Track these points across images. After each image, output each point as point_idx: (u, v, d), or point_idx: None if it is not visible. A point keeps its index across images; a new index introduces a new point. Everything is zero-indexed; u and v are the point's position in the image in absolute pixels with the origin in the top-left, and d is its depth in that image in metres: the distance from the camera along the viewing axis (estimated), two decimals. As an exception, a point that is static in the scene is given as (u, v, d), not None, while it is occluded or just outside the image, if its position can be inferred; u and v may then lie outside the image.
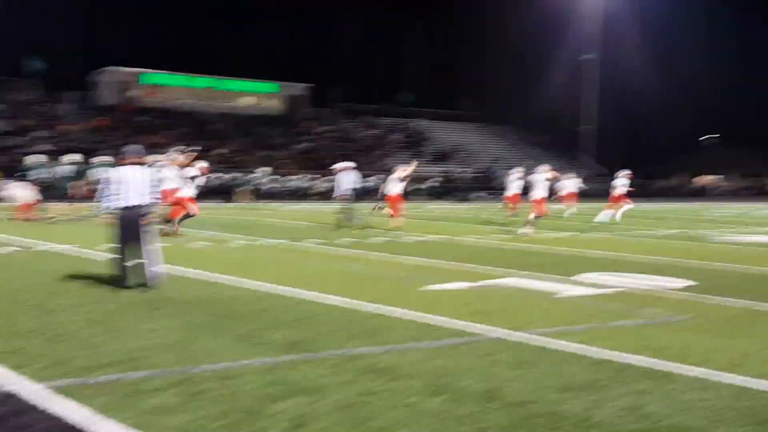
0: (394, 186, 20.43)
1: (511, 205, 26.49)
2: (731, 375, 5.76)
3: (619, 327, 7.56)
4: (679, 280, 10.91)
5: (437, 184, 52.52)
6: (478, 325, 7.49)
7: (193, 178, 17.59)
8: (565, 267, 12.35)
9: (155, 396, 5.02)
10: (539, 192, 19.54)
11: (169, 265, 10.54)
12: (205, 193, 24.36)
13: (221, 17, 76.40)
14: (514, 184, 26.44)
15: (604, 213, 25.86)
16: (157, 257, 9.42)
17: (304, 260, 13.02)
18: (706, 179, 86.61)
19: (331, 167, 23.41)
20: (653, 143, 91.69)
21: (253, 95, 64.59)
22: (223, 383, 5.32)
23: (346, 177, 21.51)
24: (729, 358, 6.30)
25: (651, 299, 9.31)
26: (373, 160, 57.19)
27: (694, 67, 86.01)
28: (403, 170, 20.56)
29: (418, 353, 6.34)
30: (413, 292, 9.59)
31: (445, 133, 69.07)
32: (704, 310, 8.59)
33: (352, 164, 22.08)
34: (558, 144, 71.06)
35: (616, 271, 11.92)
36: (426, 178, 53.04)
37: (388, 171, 22.24)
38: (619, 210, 26.16)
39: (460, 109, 74.67)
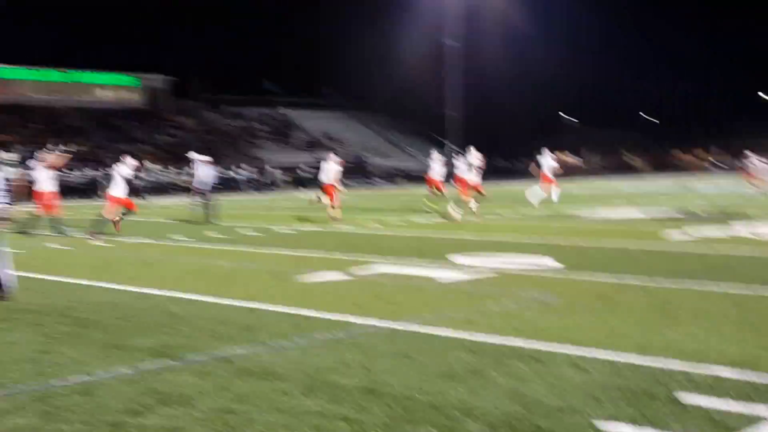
0: (329, 175, 19.96)
1: (434, 188, 26.51)
2: (607, 352, 5.82)
3: (495, 310, 7.57)
4: (550, 259, 11.12)
5: (308, 174, 52.11)
6: (357, 316, 7.34)
7: (128, 175, 16.98)
8: (440, 251, 12.39)
9: (12, 416, 4.59)
10: (467, 174, 20.33)
11: (23, 272, 9.88)
12: (68, 191, 23.22)
13: (78, 9, 72.92)
14: (436, 167, 26.26)
15: (535, 191, 25.64)
16: (7, 262, 8.77)
17: (170, 259, 12.53)
18: (567, 158, 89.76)
19: (187, 154, 22.65)
20: (516, 126, 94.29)
21: (112, 88, 62.24)
22: (87, 397, 4.93)
23: (203, 170, 20.93)
24: (603, 336, 6.38)
25: (524, 280, 9.42)
26: (241, 151, 56.26)
27: (553, 52, 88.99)
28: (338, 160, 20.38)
29: (295, 351, 6.12)
30: (288, 285, 9.35)
31: (312, 121, 68.78)
32: (576, 288, 8.74)
33: (208, 158, 21.50)
34: (424, 129, 72.04)
35: (489, 252, 12.04)
36: (295, 168, 52.67)
37: (322, 159, 21.55)
38: (552, 191, 25.88)
39: (326, 97, 74.50)
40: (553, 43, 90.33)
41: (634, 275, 9.49)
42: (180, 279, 10.00)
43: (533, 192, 25.45)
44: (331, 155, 21.17)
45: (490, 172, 27.95)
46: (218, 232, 16.90)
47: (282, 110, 69.24)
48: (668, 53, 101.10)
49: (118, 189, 16.72)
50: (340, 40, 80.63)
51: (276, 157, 57.69)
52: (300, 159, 55.85)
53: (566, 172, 76.77)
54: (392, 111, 75.24)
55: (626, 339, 6.24)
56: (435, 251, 12.52)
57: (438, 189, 24.61)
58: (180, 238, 15.65)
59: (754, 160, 31.15)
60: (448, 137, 69.47)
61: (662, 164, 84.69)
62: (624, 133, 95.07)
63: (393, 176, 57.35)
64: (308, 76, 75.39)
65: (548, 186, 25.82)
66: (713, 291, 8.32)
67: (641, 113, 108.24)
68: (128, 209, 17.19)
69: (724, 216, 18.63)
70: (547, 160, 26.05)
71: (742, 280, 8.92)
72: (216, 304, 8.20)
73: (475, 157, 22.11)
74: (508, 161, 69.71)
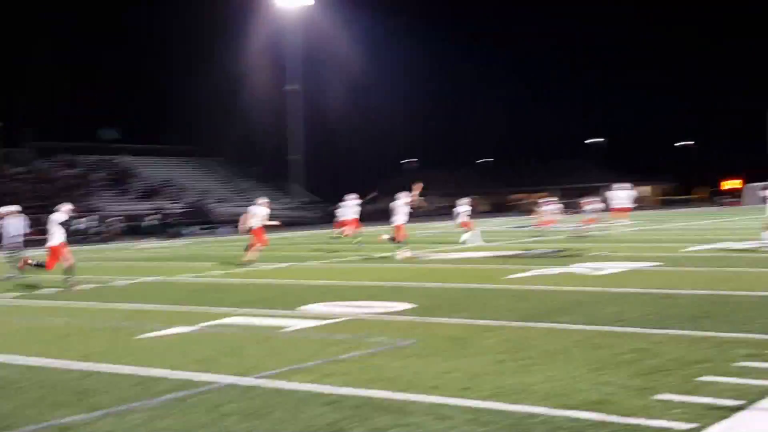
0: (257, 219, 20.11)
1: (346, 229, 27.14)
2: (464, 400, 5.71)
3: (350, 359, 7.35)
4: (399, 303, 11.03)
5: (156, 222, 50.26)
6: (205, 373, 6.92)
7: (64, 223, 15.77)
8: (287, 299, 12.08)
9: None
10: (401, 217, 20.30)
11: None
12: None
13: None
14: (350, 210, 26.82)
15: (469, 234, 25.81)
16: None
17: (-2, 318, 11.55)
18: (414, 200, 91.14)
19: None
20: (360, 169, 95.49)
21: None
22: None
23: (14, 223, 19.52)
24: (462, 381, 6.29)
25: (376, 326, 9.27)
26: (76, 200, 53.73)
27: (394, 99, 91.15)
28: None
29: (139, 415, 5.64)
30: (129, 342, 8.76)
31: (152, 168, 66.83)
32: (428, 332, 8.66)
33: (17, 208, 20.13)
34: (269, 174, 71.57)
35: (338, 299, 11.84)
36: (142, 216, 50.83)
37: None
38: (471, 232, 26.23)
39: (167, 143, 72.71)
40: (394, 88, 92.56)
41: (484, 316, 9.54)
42: (6, 341, 9.19)
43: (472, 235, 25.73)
44: (259, 199, 21.14)
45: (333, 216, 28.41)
46: (57, 285, 15.81)
47: (120, 158, 66.92)
48: (504, 97, 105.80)
49: (58, 236, 15.60)
50: (183, 87, 79.31)
51: (112, 205, 55.57)
52: (139, 207, 53.99)
53: (414, 214, 78.22)
54: (236, 157, 74.42)
55: (485, 383, 6.17)
56: (285, 299, 12.19)
57: (347, 229, 25.81)
58: (7, 296, 14.54)
59: (545, 204, 31.85)
60: (292, 182, 69.33)
61: (500, 204, 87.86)
62: (464, 175, 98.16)
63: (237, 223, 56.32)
64: (149, 123, 73.50)
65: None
66: (562, 329, 8.45)
67: (478, 155, 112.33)
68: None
69: (564, 254, 19.31)
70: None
71: (588, 318, 9.13)
72: (50, 366, 7.54)
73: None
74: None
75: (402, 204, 20.57)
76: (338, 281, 14.81)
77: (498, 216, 64.83)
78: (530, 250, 20.94)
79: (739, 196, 72.26)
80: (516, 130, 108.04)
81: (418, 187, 21.14)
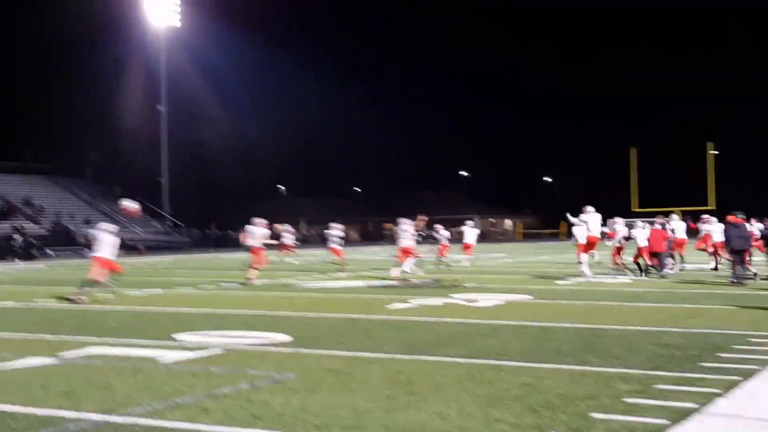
0: (255, 238, 20.73)
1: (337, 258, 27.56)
2: (355, 438, 5.43)
3: (229, 394, 6.92)
4: (278, 334, 10.64)
5: (15, 243, 47.27)
6: (68, 410, 6.33)
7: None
8: (159, 328, 11.46)
9: None
10: (406, 241, 21.01)
11: None
12: None
13: None
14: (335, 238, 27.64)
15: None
16: None
17: None
18: (280, 227, 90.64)
19: None
20: (231, 194, 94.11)
21: None
22: None
23: None
24: (347, 417, 5.99)
25: (256, 357, 8.85)
26: None
27: (270, 124, 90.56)
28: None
29: (-9, 459, 5.05)
30: (-20, 375, 7.99)
31: (9, 187, 63.38)
32: (309, 364, 8.32)
33: None
34: (135, 197, 69.26)
35: (214, 328, 11.32)
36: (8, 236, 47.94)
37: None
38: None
39: (25, 160, 69.33)
40: (270, 116, 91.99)
41: (367, 348, 9.30)
42: None
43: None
44: (256, 219, 21.48)
45: (210, 242, 27.53)
46: None
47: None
48: (377, 127, 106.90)
49: None
50: (45, 103, 75.90)
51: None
52: (-5, 227, 51.00)
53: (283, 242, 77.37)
54: (103, 178, 71.80)
55: (373, 421, 5.90)
56: (157, 328, 11.56)
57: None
58: None
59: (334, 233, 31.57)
60: (164, 206, 67.42)
61: (370, 233, 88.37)
62: (338, 203, 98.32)
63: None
64: (8, 140, 69.89)
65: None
66: (448, 362, 8.30)
67: (351, 184, 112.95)
68: None
69: (441, 284, 19.37)
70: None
71: (471, 351, 9.03)
72: None
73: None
74: (224, 230, 68.85)
75: (407, 229, 21.43)
76: (213, 309, 14.24)
77: (369, 245, 65.07)
78: (409, 280, 20.92)
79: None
80: (387, 161, 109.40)
81: (422, 218, 22.91)
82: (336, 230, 28.40)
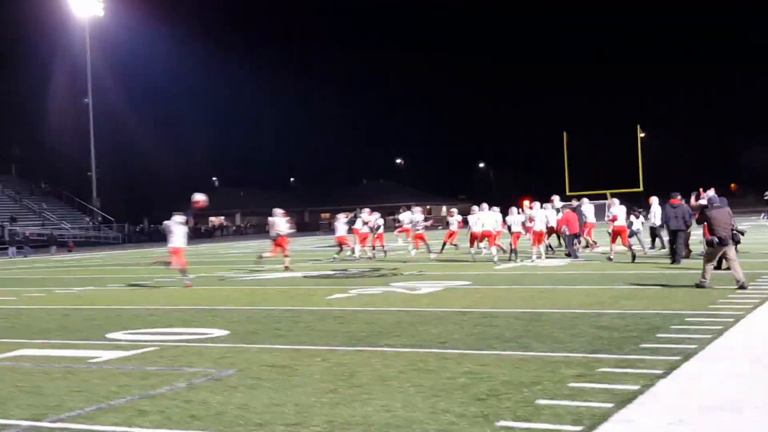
0: (279, 228, 21.73)
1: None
2: (299, 435, 5.27)
3: (166, 393, 6.68)
4: (216, 329, 10.39)
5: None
6: (-6, 418, 6.03)
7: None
8: (91, 327, 11.09)
9: None
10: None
11: None
12: None
13: None
14: (341, 226, 26.73)
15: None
16: None
17: None
18: (216, 220, 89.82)
19: None
20: (163, 188, 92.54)
21: None
22: None
23: None
24: (290, 415, 5.82)
25: (192, 354, 8.60)
26: None
27: (198, 117, 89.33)
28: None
29: None
30: None
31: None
32: (249, 360, 8.11)
33: None
34: (64, 192, 67.59)
35: (149, 325, 11.01)
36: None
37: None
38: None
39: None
40: (202, 107, 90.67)
41: (308, 341, 9.13)
42: None
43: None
44: (276, 210, 22.30)
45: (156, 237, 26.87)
46: None
47: None
48: (313, 118, 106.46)
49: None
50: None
51: None
52: None
53: (215, 233, 76.46)
54: (29, 174, 69.77)
55: (318, 416, 5.74)
56: (89, 327, 11.18)
57: (343, 245, 25.90)
58: None
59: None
60: (94, 201, 65.88)
61: (309, 224, 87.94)
62: (277, 195, 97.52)
63: (31, 243, 52.17)
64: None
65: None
66: (391, 353, 8.18)
67: (287, 176, 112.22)
68: None
69: (380, 273, 19.27)
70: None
71: (414, 340, 8.94)
72: None
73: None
74: (157, 225, 67.64)
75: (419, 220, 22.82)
76: (147, 306, 13.87)
77: (306, 235, 64.70)
78: (347, 269, 20.76)
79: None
80: (322, 151, 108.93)
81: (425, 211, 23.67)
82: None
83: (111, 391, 6.82)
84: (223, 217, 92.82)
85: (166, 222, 18.06)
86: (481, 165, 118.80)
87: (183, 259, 17.80)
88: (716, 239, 12.99)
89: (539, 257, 21.02)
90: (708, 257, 13.35)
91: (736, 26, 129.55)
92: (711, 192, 19.02)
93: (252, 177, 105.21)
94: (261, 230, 76.52)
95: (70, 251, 48.00)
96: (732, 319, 9.49)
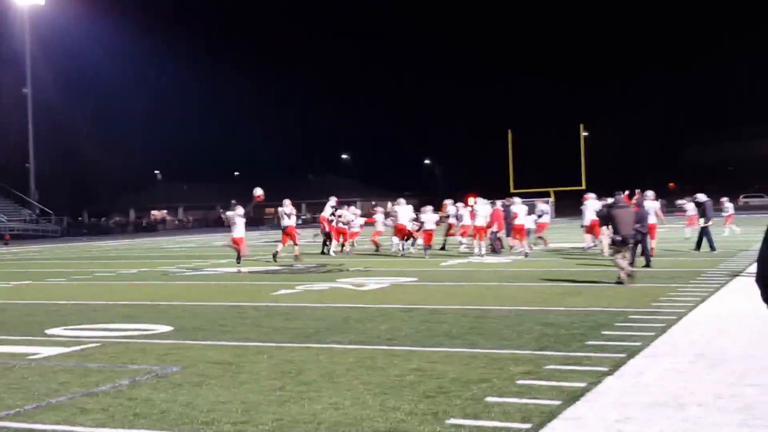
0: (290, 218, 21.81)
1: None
2: (247, 434, 5.18)
3: (108, 391, 6.51)
4: (159, 325, 10.20)
5: None
6: (-73, 418, 5.80)
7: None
8: (29, 323, 10.79)
9: None
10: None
11: None
12: None
13: None
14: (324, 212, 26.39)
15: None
16: None
17: None
18: (158, 214, 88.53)
19: None
20: (105, 181, 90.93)
21: None
22: None
23: None
24: (236, 414, 5.73)
25: (135, 350, 8.42)
26: None
27: (140, 109, 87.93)
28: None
29: None
30: None
31: None
32: (193, 357, 7.96)
33: None
34: (1, 183, 65.87)
35: (89, 321, 10.75)
36: None
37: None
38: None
39: None
40: (144, 99, 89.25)
41: (254, 338, 9.01)
42: None
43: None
44: (287, 201, 22.32)
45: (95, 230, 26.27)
46: None
47: None
48: (258, 114, 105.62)
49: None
50: None
51: None
52: None
53: (158, 227, 75.31)
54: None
55: (265, 414, 5.66)
56: (27, 323, 10.89)
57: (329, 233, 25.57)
58: None
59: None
60: (32, 193, 64.35)
61: (253, 218, 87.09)
62: (222, 189, 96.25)
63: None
64: None
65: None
66: (338, 349, 8.12)
67: (233, 169, 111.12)
68: None
69: (327, 269, 19.16)
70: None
71: (361, 336, 8.89)
72: None
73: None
74: (97, 218, 66.44)
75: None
76: (88, 301, 13.56)
77: (251, 230, 64.13)
78: (293, 265, 20.63)
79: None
80: (268, 145, 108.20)
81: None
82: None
83: (51, 389, 6.64)
84: (165, 211, 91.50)
85: (229, 213, 19.52)
86: (427, 162, 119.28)
87: (244, 247, 19.39)
88: (619, 238, 13.40)
89: (480, 252, 21.67)
90: (616, 255, 13.66)
91: (671, 27, 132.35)
92: (649, 193, 19.40)
93: (196, 171, 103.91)
94: (204, 224, 75.65)
95: (6, 244, 46.83)
96: (674, 317, 9.65)
